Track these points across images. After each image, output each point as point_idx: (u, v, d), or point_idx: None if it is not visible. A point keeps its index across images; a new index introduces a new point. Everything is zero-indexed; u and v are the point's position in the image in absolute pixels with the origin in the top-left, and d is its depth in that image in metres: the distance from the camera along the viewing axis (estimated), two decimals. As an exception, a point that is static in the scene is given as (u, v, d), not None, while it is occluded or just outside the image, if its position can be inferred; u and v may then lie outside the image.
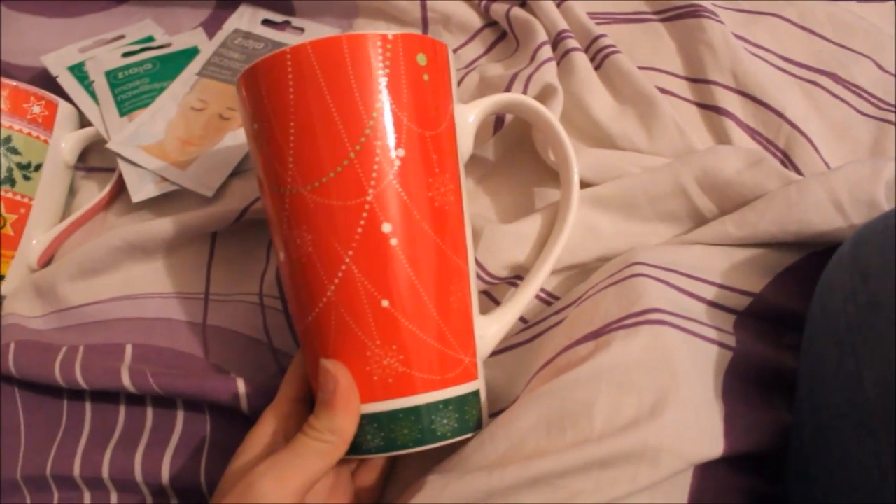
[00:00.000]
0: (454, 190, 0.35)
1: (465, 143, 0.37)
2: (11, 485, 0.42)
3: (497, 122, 0.44)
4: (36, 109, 0.48)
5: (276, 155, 0.33)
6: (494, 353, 0.41)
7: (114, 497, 0.42)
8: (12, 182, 0.47)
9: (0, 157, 0.46)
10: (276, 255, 0.36)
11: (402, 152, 0.33)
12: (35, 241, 0.49)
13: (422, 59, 0.34)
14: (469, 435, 0.35)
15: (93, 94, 0.53)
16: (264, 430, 0.35)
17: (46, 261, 0.49)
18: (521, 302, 0.39)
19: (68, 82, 0.54)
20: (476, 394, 0.36)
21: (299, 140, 0.33)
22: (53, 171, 0.49)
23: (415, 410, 0.33)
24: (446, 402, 0.34)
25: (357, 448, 0.34)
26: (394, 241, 0.33)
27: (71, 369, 0.42)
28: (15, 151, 0.47)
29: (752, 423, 0.33)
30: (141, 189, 0.48)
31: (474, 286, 0.37)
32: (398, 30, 0.53)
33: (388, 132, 0.33)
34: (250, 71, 0.34)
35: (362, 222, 0.32)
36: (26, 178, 0.47)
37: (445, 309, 0.34)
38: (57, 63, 0.55)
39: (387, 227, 0.33)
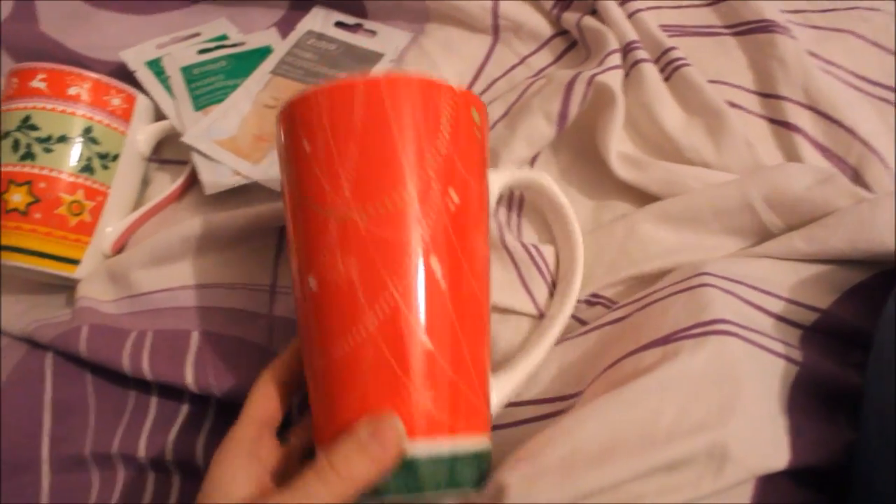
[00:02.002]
0: (487, 242, 0.36)
1: (491, 203, 0.38)
2: (78, 461, 0.43)
3: (561, 119, 0.45)
4: (116, 102, 0.50)
5: (328, 178, 0.33)
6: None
7: (176, 479, 0.43)
8: (91, 170, 0.48)
9: (81, 147, 0.48)
10: (301, 283, 0.35)
11: (457, 199, 0.34)
12: (110, 228, 0.50)
13: (476, 116, 0.35)
14: (477, 489, 0.34)
15: (169, 89, 0.55)
16: (233, 462, 0.33)
17: (119, 248, 0.51)
18: (532, 362, 0.39)
19: (146, 77, 0.55)
20: (490, 451, 0.35)
21: (359, 166, 0.33)
22: (130, 161, 0.51)
23: (442, 456, 0.32)
24: (472, 453, 0.33)
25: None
26: (443, 284, 0.33)
27: (139, 357, 0.44)
28: (95, 141, 0.48)
29: (817, 438, 0.33)
30: (214, 182, 0.49)
31: (491, 339, 0.38)
32: (468, 37, 0.54)
33: (448, 176, 0.33)
34: (312, 95, 0.34)
35: (415, 259, 0.32)
36: (104, 167, 0.49)
37: (477, 360, 0.34)
38: (135, 58, 0.57)
39: (436, 268, 0.33)
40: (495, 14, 0.53)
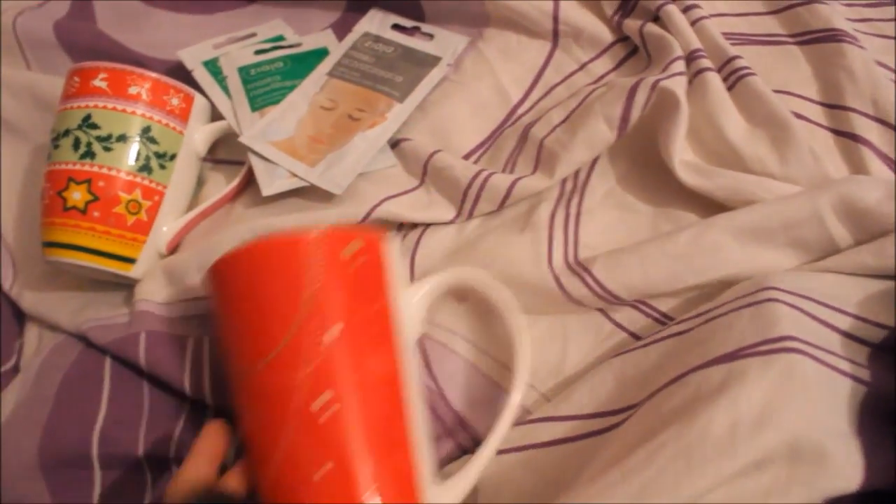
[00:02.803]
0: (394, 361, 0.38)
1: (413, 317, 0.41)
2: (131, 461, 0.44)
3: (622, 123, 0.45)
4: (174, 101, 0.50)
5: (231, 342, 0.38)
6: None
7: None
8: (149, 170, 0.49)
9: (139, 146, 0.48)
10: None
11: (337, 329, 0.36)
12: (165, 227, 0.50)
13: (356, 246, 0.38)
14: None
15: (226, 89, 0.55)
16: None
17: (174, 248, 0.51)
18: (474, 471, 0.39)
19: (203, 77, 0.56)
20: None
21: (246, 326, 0.37)
22: (186, 161, 0.51)
23: None
24: None
25: None
26: (331, 412, 0.35)
27: (199, 380, 0.45)
28: (153, 141, 0.49)
29: (889, 460, 0.32)
30: (271, 184, 0.50)
31: (423, 451, 0.38)
32: (527, 42, 0.54)
33: (322, 313, 0.36)
34: (210, 271, 0.39)
35: (301, 396, 0.35)
36: (162, 167, 0.49)
37: (388, 475, 0.35)
38: (192, 58, 0.57)
39: (323, 400, 0.35)
40: (555, 19, 0.53)
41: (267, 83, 0.55)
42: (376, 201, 0.47)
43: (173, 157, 0.50)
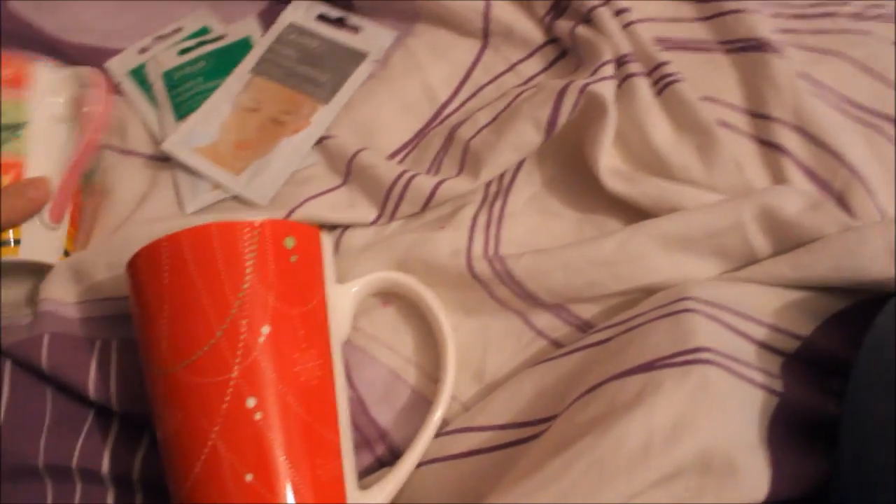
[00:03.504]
0: (324, 365, 0.37)
1: (341, 320, 0.40)
2: (31, 471, 0.42)
3: (549, 126, 0.44)
4: (6, 72, 0.48)
5: (153, 338, 0.36)
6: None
7: (139, 498, 0.42)
8: None
9: None
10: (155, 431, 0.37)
11: (267, 329, 0.35)
12: None
13: (289, 243, 0.37)
14: None
15: (153, 99, 0.53)
16: None
17: (60, 216, 0.48)
18: (393, 485, 0.39)
19: (129, 89, 0.54)
20: None
21: (171, 323, 0.35)
22: (41, 126, 0.48)
23: None
24: None
25: None
26: (258, 416, 0.34)
27: (105, 385, 0.43)
28: None
29: (796, 471, 0.33)
30: (194, 198, 0.48)
31: (348, 458, 0.37)
32: (457, 40, 0.53)
33: (253, 311, 0.35)
34: (132, 260, 0.37)
35: (227, 398, 0.34)
36: (14, 137, 0.47)
37: (313, 482, 0.35)
38: (118, 68, 0.55)
39: (251, 402, 0.34)
40: (486, 17, 0.52)
41: (190, 87, 0.53)
42: (297, 203, 0.46)
43: (22, 125, 0.47)
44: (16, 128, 0.46)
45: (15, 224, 0.44)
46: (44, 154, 0.47)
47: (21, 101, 0.47)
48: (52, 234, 0.47)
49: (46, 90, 0.48)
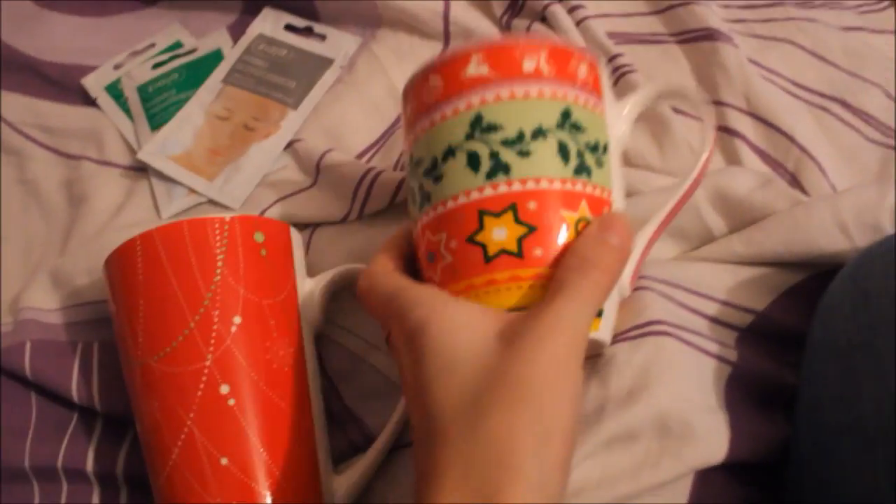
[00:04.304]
0: (295, 353, 0.38)
1: (312, 311, 0.41)
2: (17, 473, 0.43)
3: None
4: (583, 71, 0.34)
5: (130, 332, 0.37)
6: None
7: (124, 494, 0.43)
8: (588, 171, 0.33)
9: (566, 139, 0.32)
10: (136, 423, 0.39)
11: (238, 319, 0.36)
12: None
13: (259, 237, 0.38)
14: None
15: (129, 112, 0.55)
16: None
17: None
18: (366, 468, 0.40)
19: (106, 104, 0.56)
20: None
21: (147, 316, 0.36)
22: (617, 150, 0.36)
23: None
24: None
25: None
26: (231, 402, 0.35)
27: (88, 387, 0.44)
28: (578, 128, 0.33)
29: (753, 433, 0.34)
30: (170, 203, 0.50)
31: (322, 442, 0.39)
32: (420, 43, 0.55)
33: (224, 302, 0.36)
34: (109, 258, 0.39)
35: (202, 386, 0.35)
36: (599, 163, 0.34)
37: (287, 465, 0.36)
38: (95, 84, 0.57)
39: (224, 389, 0.35)
40: (446, 19, 0.54)
41: (164, 98, 0.54)
42: (268, 203, 0.48)
43: (606, 148, 0.34)
44: (596, 148, 0.34)
45: None
46: (619, 190, 0.35)
47: (598, 113, 0.34)
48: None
49: (615, 100, 0.37)
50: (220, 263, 0.37)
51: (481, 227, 0.31)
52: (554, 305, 0.28)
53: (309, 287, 0.42)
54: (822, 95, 0.49)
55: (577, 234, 0.31)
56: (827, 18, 0.52)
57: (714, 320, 0.38)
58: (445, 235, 0.32)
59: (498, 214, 0.31)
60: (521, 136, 0.31)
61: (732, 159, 0.46)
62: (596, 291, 0.29)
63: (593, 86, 0.34)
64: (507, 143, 0.31)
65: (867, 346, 0.31)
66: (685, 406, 0.33)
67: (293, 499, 0.36)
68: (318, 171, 0.49)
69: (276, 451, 0.36)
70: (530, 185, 0.31)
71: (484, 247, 0.31)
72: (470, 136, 0.32)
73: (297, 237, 0.42)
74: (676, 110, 0.47)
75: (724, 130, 0.47)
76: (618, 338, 0.35)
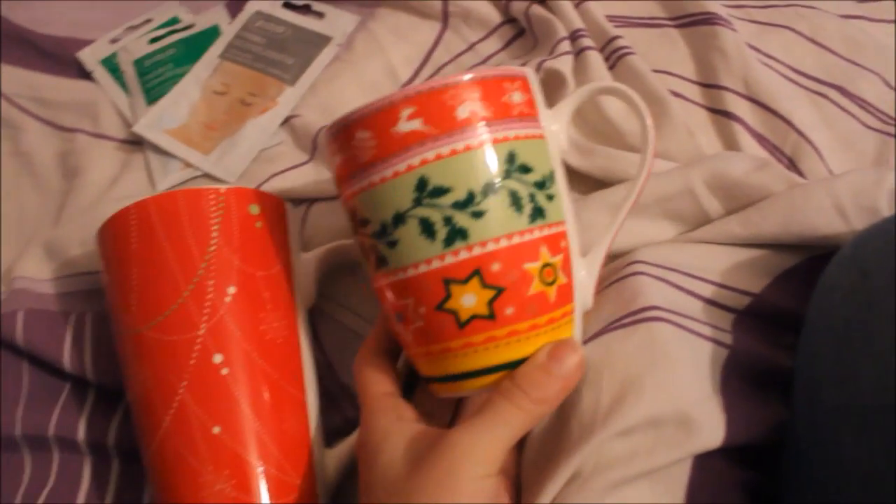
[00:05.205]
0: (289, 325, 0.38)
1: (306, 286, 0.41)
2: (8, 442, 0.42)
3: None
4: (516, 97, 0.33)
5: (123, 300, 0.37)
6: None
7: (115, 463, 0.43)
8: (541, 213, 0.32)
9: (513, 186, 0.31)
10: (126, 391, 0.38)
11: (233, 290, 0.36)
12: (583, 271, 0.35)
13: (254, 210, 0.38)
14: None
15: (125, 86, 0.54)
16: (393, 427, 0.33)
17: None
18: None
19: (102, 77, 0.55)
20: None
21: (141, 285, 0.36)
22: (561, 170, 0.35)
23: None
24: None
25: None
26: (224, 371, 0.35)
27: (80, 356, 0.43)
28: (525, 169, 0.32)
29: (750, 417, 0.34)
30: (165, 177, 0.50)
31: (314, 415, 0.39)
32: (418, 22, 0.54)
33: (219, 272, 0.36)
34: (102, 227, 0.38)
35: (195, 354, 0.35)
36: (549, 198, 0.33)
37: (279, 436, 0.36)
38: (90, 58, 0.56)
39: (217, 358, 0.35)
40: (445, 0, 0.54)
41: (160, 73, 0.54)
42: (264, 178, 0.47)
43: (552, 176, 0.33)
44: (544, 183, 0.32)
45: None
46: (569, 209, 0.34)
47: (539, 138, 0.33)
48: None
49: (548, 113, 0.35)
50: (215, 234, 0.37)
51: (449, 295, 0.31)
52: (472, 430, 0.30)
53: (304, 261, 0.41)
54: (821, 82, 0.49)
55: (543, 280, 0.32)
56: (826, 6, 0.52)
57: (710, 302, 0.38)
58: (413, 301, 0.31)
59: (464, 282, 0.31)
60: (471, 197, 0.30)
61: (730, 143, 0.46)
62: (522, 418, 0.30)
63: (529, 107, 0.33)
64: (458, 205, 0.30)
65: (865, 325, 0.31)
66: (680, 399, 0.32)
67: (284, 469, 0.36)
68: (314, 147, 0.49)
69: (268, 421, 0.36)
70: (490, 247, 0.30)
71: (455, 313, 0.31)
72: (418, 202, 0.30)
73: (292, 212, 0.41)
74: (675, 93, 0.47)
75: (723, 114, 0.47)
76: (611, 326, 0.35)
